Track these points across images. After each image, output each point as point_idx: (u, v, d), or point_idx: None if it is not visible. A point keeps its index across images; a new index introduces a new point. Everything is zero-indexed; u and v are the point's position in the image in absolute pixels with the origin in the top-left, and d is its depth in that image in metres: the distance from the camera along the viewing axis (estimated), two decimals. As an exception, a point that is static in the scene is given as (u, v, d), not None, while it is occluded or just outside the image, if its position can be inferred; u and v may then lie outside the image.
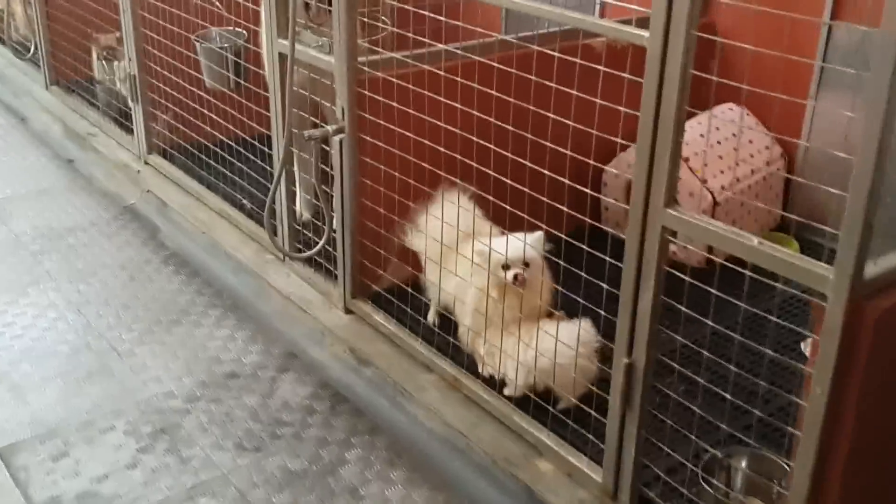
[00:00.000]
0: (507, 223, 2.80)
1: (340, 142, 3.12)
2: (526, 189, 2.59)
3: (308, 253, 3.39)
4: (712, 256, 3.48)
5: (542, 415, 2.71)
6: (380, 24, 3.23)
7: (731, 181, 3.56)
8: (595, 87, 2.39)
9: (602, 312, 2.44)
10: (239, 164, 4.01)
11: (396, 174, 3.06)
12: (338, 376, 3.13)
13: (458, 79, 2.86)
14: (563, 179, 2.49)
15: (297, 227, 3.64)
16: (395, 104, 3.00)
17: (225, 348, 3.21)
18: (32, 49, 5.61)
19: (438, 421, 2.84)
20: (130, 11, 4.26)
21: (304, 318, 3.39)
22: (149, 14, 4.20)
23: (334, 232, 3.30)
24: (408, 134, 3.01)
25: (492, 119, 2.71)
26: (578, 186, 2.50)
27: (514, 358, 2.78)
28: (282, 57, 3.31)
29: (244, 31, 4.02)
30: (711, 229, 2.00)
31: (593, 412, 2.51)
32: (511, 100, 2.72)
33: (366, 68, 3.03)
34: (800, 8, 3.41)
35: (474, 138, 2.77)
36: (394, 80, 3.02)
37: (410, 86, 2.96)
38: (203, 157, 4.23)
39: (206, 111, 4.07)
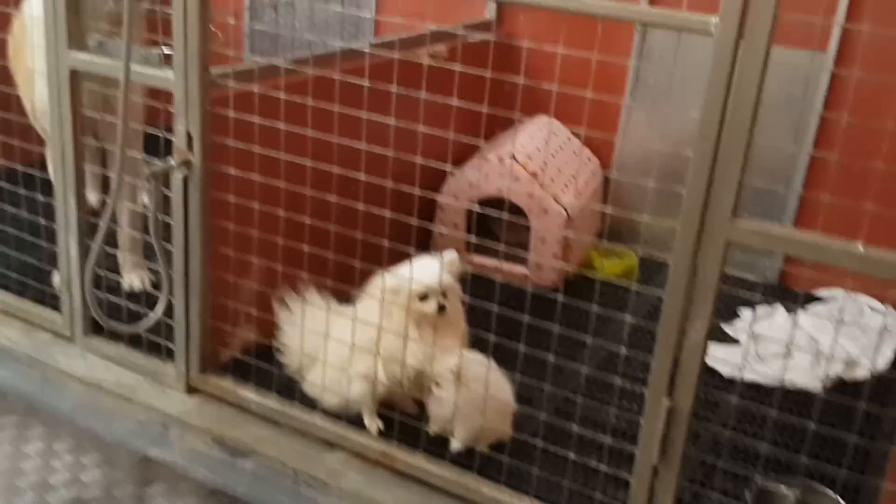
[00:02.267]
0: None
1: (185, 178, 2.44)
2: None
3: (142, 324, 2.61)
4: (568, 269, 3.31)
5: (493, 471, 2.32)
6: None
7: (574, 194, 3.41)
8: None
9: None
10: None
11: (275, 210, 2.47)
12: (209, 477, 2.44)
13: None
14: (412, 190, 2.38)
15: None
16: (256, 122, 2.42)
17: (48, 467, 2.35)
18: None
19: (377, 512, 2.31)
20: None
21: (129, 409, 2.61)
22: None
23: (172, 296, 2.58)
24: (274, 155, 2.44)
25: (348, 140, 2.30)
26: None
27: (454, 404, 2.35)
28: (75, 75, 2.53)
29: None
30: (800, 239, 1.77)
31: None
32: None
33: (229, 83, 2.40)
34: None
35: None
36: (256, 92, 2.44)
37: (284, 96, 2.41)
38: None
39: None
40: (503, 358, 2.40)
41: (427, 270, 2.37)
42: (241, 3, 3.43)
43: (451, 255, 2.43)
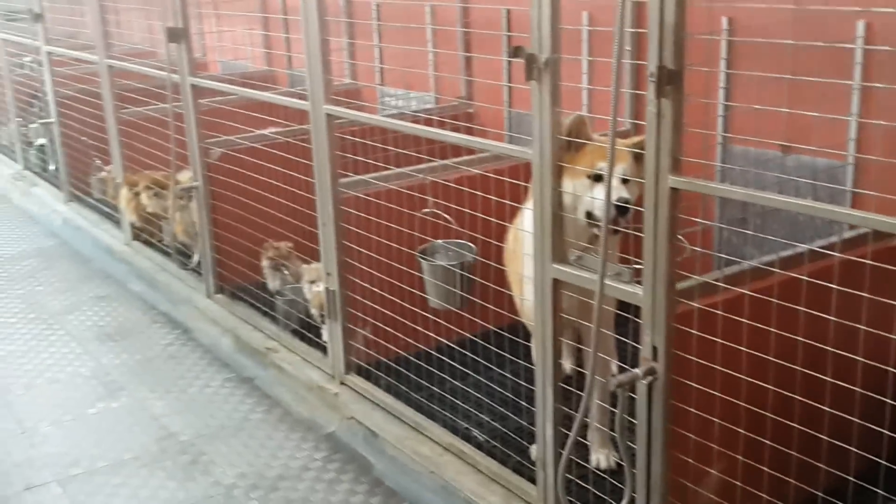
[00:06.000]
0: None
1: (649, 385, 2.61)
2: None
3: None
4: None
5: None
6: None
7: None
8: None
9: None
10: (451, 381, 3.57)
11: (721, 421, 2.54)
12: None
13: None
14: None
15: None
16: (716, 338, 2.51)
17: None
18: (196, 259, 5.30)
19: None
20: (333, 225, 3.87)
21: None
22: (355, 227, 3.83)
23: (634, 493, 2.74)
24: (731, 372, 2.51)
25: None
26: None
27: None
28: (556, 283, 2.85)
29: (472, 245, 3.61)
30: None
31: None
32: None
33: (692, 301, 2.54)
34: None
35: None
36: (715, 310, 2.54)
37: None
38: (412, 375, 3.77)
39: (415, 324, 3.66)
40: None
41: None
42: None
43: None
